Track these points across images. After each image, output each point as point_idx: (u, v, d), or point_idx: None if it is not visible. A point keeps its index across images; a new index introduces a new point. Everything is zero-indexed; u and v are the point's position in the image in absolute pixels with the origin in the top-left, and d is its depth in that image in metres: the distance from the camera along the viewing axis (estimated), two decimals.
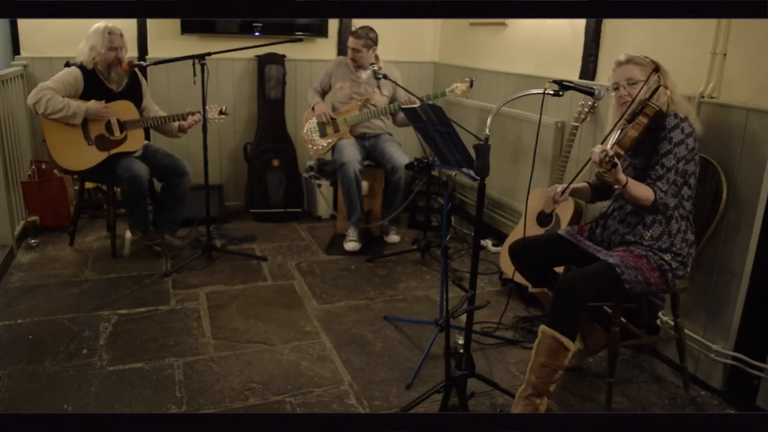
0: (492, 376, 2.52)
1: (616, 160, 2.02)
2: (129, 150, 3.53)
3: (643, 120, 2.17)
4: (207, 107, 3.52)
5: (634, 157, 2.33)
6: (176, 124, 3.64)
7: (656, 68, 2.28)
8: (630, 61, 2.29)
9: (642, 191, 2.18)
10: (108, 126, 3.46)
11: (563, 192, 2.33)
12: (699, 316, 2.59)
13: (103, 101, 3.42)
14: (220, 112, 3.63)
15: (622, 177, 2.11)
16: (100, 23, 3.41)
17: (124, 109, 3.52)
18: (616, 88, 2.31)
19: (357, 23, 4.47)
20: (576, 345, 2.22)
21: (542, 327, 2.22)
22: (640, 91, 2.24)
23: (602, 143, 2.22)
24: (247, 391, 2.44)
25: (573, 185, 2.36)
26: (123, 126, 3.50)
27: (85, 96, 3.40)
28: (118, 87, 3.53)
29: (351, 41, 3.87)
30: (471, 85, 3.73)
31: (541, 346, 2.21)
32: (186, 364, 2.60)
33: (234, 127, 4.61)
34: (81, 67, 3.41)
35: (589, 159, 2.13)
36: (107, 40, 3.37)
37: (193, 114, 3.60)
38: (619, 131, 2.21)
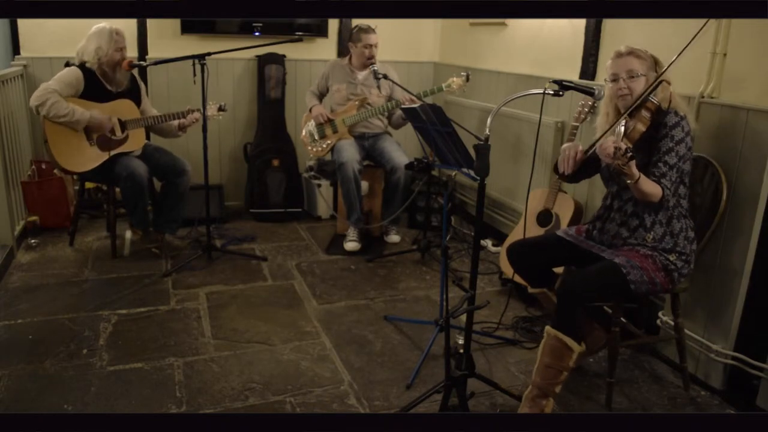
0: (492, 376, 2.52)
1: (630, 152, 1.95)
2: (130, 150, 3.54)
3: (646, 114, 2.16)
4: (206, 104, 3.52)
5: (635, 153, 2.31)
6: (176, 122, 3.64)
7: (655, 62, 2.27)
8: (631, 53, 2.25)
9: (651, 187, 2.14)
10: None
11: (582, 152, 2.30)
12: (699, 316, 2.59)
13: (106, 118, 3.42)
14: (219, 109, 3.64)
15: (636, 171, 2.05)
16: (102, 24, 3.41)
17: (124, 109, 3.51)
18: (615, 80, 2.27)
19: (357, 23, 4.47)
20: (580, 346, 2.22)
21: (547, 328, 2.22)
22: (647, 89, 2.21)
23: (602, 137, 2.22)
24: (247, 391, 2.44)
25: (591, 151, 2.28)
26: (124, 125, 3.50)
27: (84, 96, 3.40)
28: (118, 88, 3.52)
29: (372, 38, 3.84)
30: (467, 80, 3.73)
31: (545, 347, 2.21)
32: (186, 364, 2.60)
33: (234, 127, 4.61)
34: (81, 66, 3.41)
35: (591, 147, 2.09)
36: (114, 41, 3.39)
37: (192, 112, 3.60)
38: (621, 126, 2.19)
